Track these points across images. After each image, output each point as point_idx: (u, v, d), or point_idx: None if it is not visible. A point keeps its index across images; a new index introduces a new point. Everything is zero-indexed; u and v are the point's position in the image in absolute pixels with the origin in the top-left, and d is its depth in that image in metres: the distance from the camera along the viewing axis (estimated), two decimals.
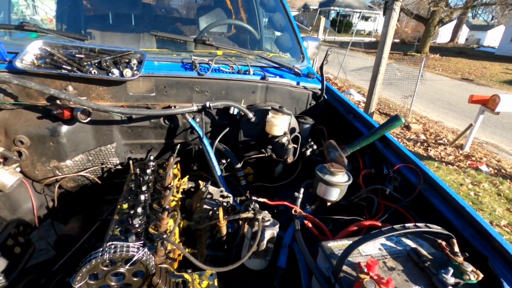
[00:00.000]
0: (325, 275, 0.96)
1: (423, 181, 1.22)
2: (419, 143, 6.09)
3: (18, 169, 1.54)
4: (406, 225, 0.93)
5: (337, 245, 1.00)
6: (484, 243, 0.97)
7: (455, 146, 5.93)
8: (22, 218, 1.50)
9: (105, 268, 0.86)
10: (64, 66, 1.48)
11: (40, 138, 1.52)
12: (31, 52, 1.53)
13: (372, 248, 0.99)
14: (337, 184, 1.29)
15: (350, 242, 1.01)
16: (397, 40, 25.26)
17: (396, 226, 0.92)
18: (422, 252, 0.97)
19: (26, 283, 1.36)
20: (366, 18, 35.37)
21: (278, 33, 3.42)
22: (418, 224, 0.94)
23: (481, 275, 0.87)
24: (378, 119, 7.20)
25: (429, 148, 5.84)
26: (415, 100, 7.60)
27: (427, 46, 20.57)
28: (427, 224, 0.95)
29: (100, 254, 0.84)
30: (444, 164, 5.20)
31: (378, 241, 1.02)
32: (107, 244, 0.86)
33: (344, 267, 0.90)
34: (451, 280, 0.85)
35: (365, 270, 0.85)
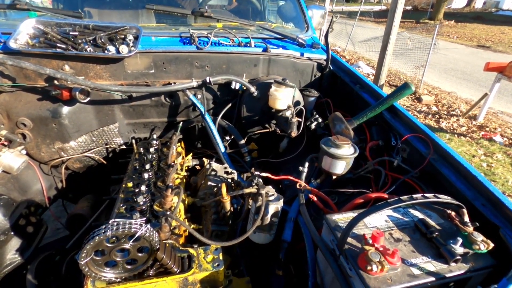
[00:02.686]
0: (329, 247, 0.95)
1: (433, 151, 1.17)
2: (430, 115, 5.91)
3: (24, 152, 1.55)
4: (414, 195, 0.89)
5: (342, 218, 0.98)
6: (496, 212, 0.93)
7: (468, 117, 5.73)
8: (32, 199, 1.53)
9: (109, 245, 0.87)
10: (58, 45, 1.44)
11: (42, 120, 1.52)
12: (24, 32, 1.49)
13: (378, 220, 0.97)
14: (343, 156, 1.25)
15: (355, 214, 0.99)
16: (409, 7, 23.86)
17: (403, 197, 0.89)
18: (430, 223, 0.94)
19: (42, 259, 1.42)
20: None
21: (282, 3, 3.25)
22: (426, 195, 0.91)
23: (492, 245, 0.84)
24: (388, 92, 6.97)
25: (440, 119, 5.67)
26: (427, 71, 7.28)
27: (441, 12, 19.39)
28: (436, 195, 0.91)
29: (103, 231, 0.84)
30: (456, 135, 5.06)
31: (384, 213, 0.99)
32: (110, 221, 0.87)
33: (349, 239, 0.88)
34: (459, 250, 0.83)
35: (370, 241, 0.83)
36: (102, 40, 1.51)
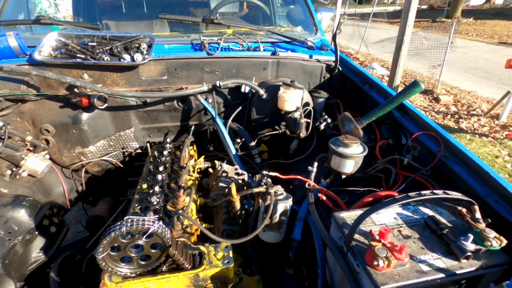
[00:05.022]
0: (338, 245, 0.95)
1: (443, 148, 1.15)
2: (449, 115, 5.72)
3: (47, 156, 1.65)
4: (422, 192, 0.89)
5: (350, 215, 0.98)
6: (510, 209, 0.90)
7: (490, 117, 5.50)
8: (55, 201, 1.62)
9: (124, 241, 0.91)
10: (78, 55, 1.54)
11: (64, 126, 1.61)
12: (47, 44, 1.60)
13: (387, 218, 0.96)
14: (351, 156, 1.25)
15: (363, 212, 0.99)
16: (424, 7, 23.31)
17: (411, 194, 0.89)
18: (441, 220, 0.93)
19: (64, 258, 1.49)
20: None
21: (291, 7, 3.28)
22: (436, 191, 0.90)
23: (505, 241, 0.82)
24: None
25: (460, 120, 5.48)
26: (444, 70, 7.07)
27: (459, 10, 18.81)
28: (446, 191, 0.90)
29: (118, 227, 0.89)
30: (477, 136, 4.88)
31: (393, 211, 0.99)
32: (125, 218, 0.91)
33: (357, 236, 0.88)
34: (470, 246, 0.81)
35: (377, 237, 0.83)
36: (118, 49, 1.60)
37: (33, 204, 1.41)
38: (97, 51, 1.57)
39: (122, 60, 1.57)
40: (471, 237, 0.83)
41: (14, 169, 1.49)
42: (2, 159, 1.48)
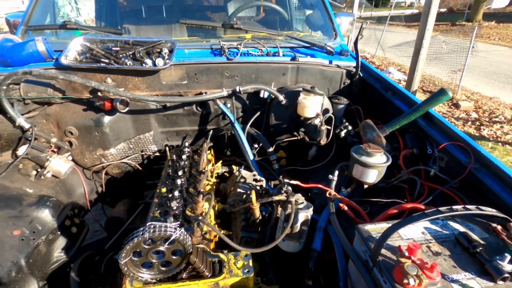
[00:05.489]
0: (362, 258, 0.92)
1: (474, 160, 1.10)
2: (469, 122, 5.53)
3: (70, 158, 1.69)
4: (454, 207, 0.85)
5: (375, 228, 0.95)
6: None
7: None
8: (76, 201, 1.66)
9: (146, 246, 0.92)
10: (102, 60, 1.57)
11: (87, 129, 1.65)
12: (73, 49, 1.64)
13: (415, 232, 0.93)
14: (375, 165, 1.22)
15: (390, 225, 0.96)
16: (443, 10, 22.72)
17: (442, 208, 0.85)
18: (473, 237, 0.89)
19: (84, 258, 1.52)
20: None
21: (309, 12, 3.27)
22: (468, 207, 0.86)
23: None
24: (422, 98, 6.66)
25: (482, 127, 5.28)
26: (465, 75, 6.86)
27: (480, 13, 18.24)
28: (479, 207, 0.86)
29: (141, 233, 0.89)
30: (500, 144, 4.69)
31: (421, 225, 0.95)
32: (147, 224, 0.92)
33: (383, 251, 0.85)
34: (508, 267, 0.77)
35: (406, 253, 0.79)
36: (141, 54, 1.62)
37: (56, 205, 1.45)
38: (120, 55, 1.60)
39: (144, 64, 1.60)
40: (508, 257, 0.78)
41: (39, 169, 1.54)
42: (28, 160, 1.52)
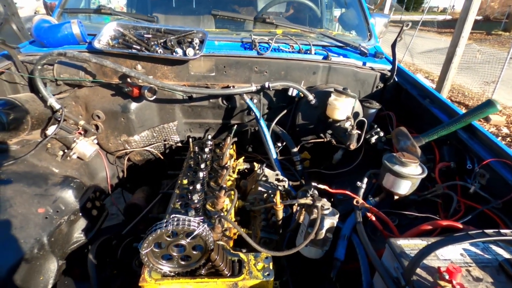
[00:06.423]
0: (392, 275, 0.86)
1: None
2: (499, 137, 5.24)
3: (95, 141, 1.71)
4: (502, 231, 0.77)
5: (408, 244, 0.89)
6: None
7: None
8: (98, 185, 1.67)
9: (168, 239, 0.90)
10: (134, 46, 1.57)
11: (113, 114, 1.66)
12: (106, 34, 1.65)
13: (453, 253, 0.86)
14: (408, 176, 1.15)
15: (424, 242, 0.89)
16: (479, 17, 21.62)
17: (488, 231, 0.78)
18: None
19: (101, 242, 1.54)
20: None
21: (336, 12, 3.17)
22: None
23: None
24: None
25: None
26: (498, 87, 6.50)
27: None
28: None
29: (165, 225, 0.87)
30: None
31: (460, 246, 0.88)
32: (171, 217, 0.90)
33: (418, 270, 0.79)
34: None
35: (446, 276, 0.73)
36: (172, 43, 1.61)
37: (79, 186, 1.47)
38: (152, 43, 1.59)
39: (174, 53, 1.58)
40: None
41: (65, 150, 1.56)
42: (56, 140, 1.55)
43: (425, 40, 13.15)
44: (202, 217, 1.13)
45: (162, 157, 1.87)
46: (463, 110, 1.52)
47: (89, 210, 1.50)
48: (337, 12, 3.17)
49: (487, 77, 7.22)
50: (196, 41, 1.64)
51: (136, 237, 1.56)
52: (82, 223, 1.45)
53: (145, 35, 1.64)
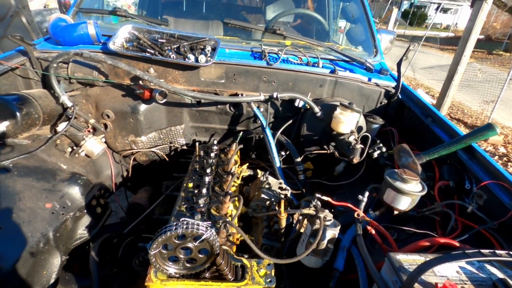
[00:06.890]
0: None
1: None
2: (496, 157, 5.32)
3: (103, 140, 1.74)
4: (498, 252, 0.81)
5: (407, 259, 0.92)
6: None
7: None
8: (103, 183, 1.70)
9: (176, 241, 0.93)
10: (148, 50, 1.61)
11: (123, 114, 1.69)
12: (121, 36, 1.69)
13: (449, 270, 0.89)
14: (409, 192, 1.19)
15: (423, 258, 0.93)
16: (481, 36, 21.96)
17: (484, 251, 0.81)
18: None
19: (103, 239, 1.55)
20: (445, 10, 31.32)
21: (341, 25, 3.24)
22: None
23: None
24: None
25: (509, 163, 5.07)
26: (497, 107, 6.61)
27: None
28: None
29: (174, 228, 0.90)
30: None
31: (456, 263, 0.92)
32: (181, 220, 0.93)
33: (416, 285, 0.83)
34: None
35: None
36: (185, 48, 1.65)
37: (86, 184, 1.49)
38: (165, 48, 1.63)
39: (187, 59, 1.62)
40: None
41: (74, 147, 1.59)
42: (65, 136, 1.58)
43: (427, 55, 13.33)
44: (209, 222, 1.16)
45: (167, 159, 1.90)
46: (461, 127, 1.57)
47: (93, 207, 1.53)
48: (342, 23, 3.24)
49: (487, 96, 7.33)
50: (208, 48, 1.69)
51: (137, 236, 1.59)
52: (86, 220, 1.47)
53: (159, 40, 1.69)
